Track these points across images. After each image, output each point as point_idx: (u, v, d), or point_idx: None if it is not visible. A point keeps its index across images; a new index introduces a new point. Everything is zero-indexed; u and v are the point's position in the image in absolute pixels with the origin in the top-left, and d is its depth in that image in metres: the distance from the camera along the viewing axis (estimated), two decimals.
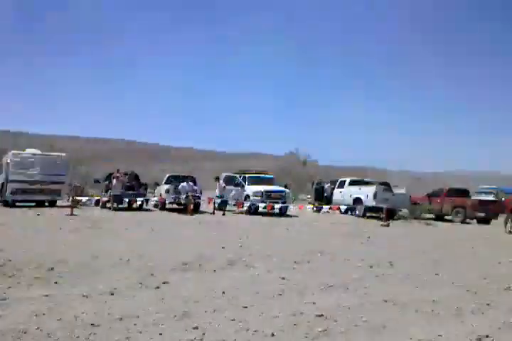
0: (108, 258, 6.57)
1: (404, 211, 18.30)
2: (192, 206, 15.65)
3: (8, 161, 15.56)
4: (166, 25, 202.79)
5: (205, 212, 16.55)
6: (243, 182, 18.05)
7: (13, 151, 16.29)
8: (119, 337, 3.31)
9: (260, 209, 16.18)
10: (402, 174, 60.07)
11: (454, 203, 18.20)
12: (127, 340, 3.26)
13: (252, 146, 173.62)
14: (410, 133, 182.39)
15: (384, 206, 15.78)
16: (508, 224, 14.30)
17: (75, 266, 5.87)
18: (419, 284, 5.65)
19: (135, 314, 3.86)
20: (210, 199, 16.59)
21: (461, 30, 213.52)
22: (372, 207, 17.03)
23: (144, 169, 36.00)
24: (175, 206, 17.48)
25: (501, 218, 16.01)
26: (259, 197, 16.72)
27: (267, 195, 16.85)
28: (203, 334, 3.44)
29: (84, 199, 16.13)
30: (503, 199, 17.06)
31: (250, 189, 17.40)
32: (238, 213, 16.92)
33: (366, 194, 17.37)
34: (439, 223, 17.41)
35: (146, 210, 16.61)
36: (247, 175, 18.53)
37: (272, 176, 19.67)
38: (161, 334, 3.41)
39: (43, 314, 3.78)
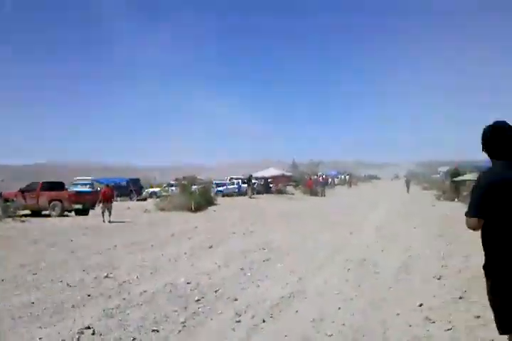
0: None
1: None
2: None
3: None
4: None
5: None
6: None
7: None
8: None
9: None
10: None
11: (50, 197, 18.19)
12: None
13: None
14: None
15: None
16: (105, 213, 15.86)
17: None
18: None
19: None
20: None
21: None
22: None
23: None
24: None
25: (98, 208, 17.38)
26: None
27: None
28: None
29: None
30: (98, 189, 18.65)
31: None
32: None
33: None
34: (36, 219, 17.00)
35: None
36: None
37: None
38: None
39: None
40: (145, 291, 6.20)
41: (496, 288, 2.74)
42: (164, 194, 26.03)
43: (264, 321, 4.86)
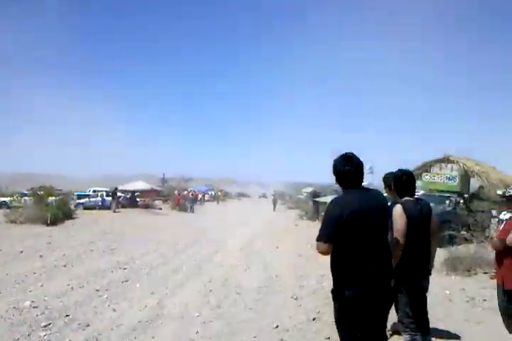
0: None
1: None
2: None
3: None
4: None
5: None
6: None
7: None
8: None
9: None
10: None
11: None
12: None
13: None
14: None
15: None
16: None
17: None
18: None
19: None
20: None
21: None
22: None
23: None
24: None
25: None
26: None
27: None
28: None
29: None
30: None
31: None
32: None
33: None
34: None
35: None
36: None
37: None
38: None
39: None
40: None
41: (341, 311, 2.95)
42: (16, 205, 23.51)
43: None
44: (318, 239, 2.89)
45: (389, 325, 3.99)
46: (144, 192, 34.13)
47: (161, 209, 32.10)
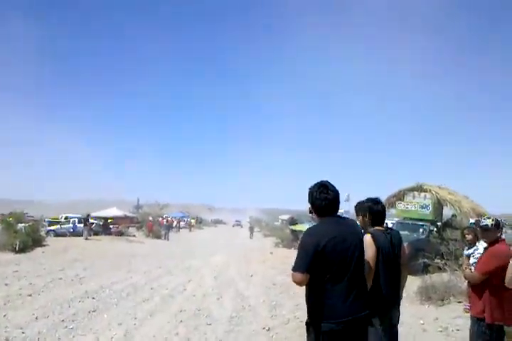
0: None
1: None
2: None
3: None
4: None
5: None
6: None
7: None
8: None
9: None
10: None
11: None
12: None
13: None
14: None
15: None
16: None
17: None
18: None
19: None
20: None
21: None
22: None
23: None
24: None
25: None
26: None
27: None
28: None
29: None
30: None
31: None
32: None
33: None
34: None
35: None
36: None
37: None
38: None
39: None
40: None
41: None
42: None
43: None
44: (295, 269, 2.80)
45: None
46: (117, 219, 33.46)
47: (135, 236, 31.47)
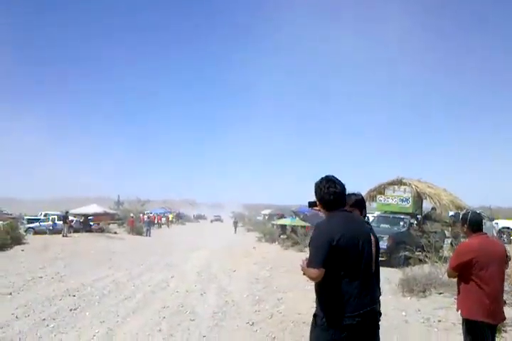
0: None
1: None
2: None
3: None
4: None
5: None
6: None
7: None
8: None
9: None
10: None
11: None
12: None
13: None
14: None
15: None
16: None
17: None
18: None
19: None
20: None
21: None
22: None
23: None
24: None
25: None
26: None
27: None
28: None
29: None
30: None
31: None
32: None
33: None
34: None
35: None
36: None
37: None
38: None
39: None
40: None
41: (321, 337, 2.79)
42: None
43: None
44: (310, 265, 2.75)
45: None
46: (97, 216, 33.04)
47: (116, 233, 31.15)
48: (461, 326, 3.90)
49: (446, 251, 10.66)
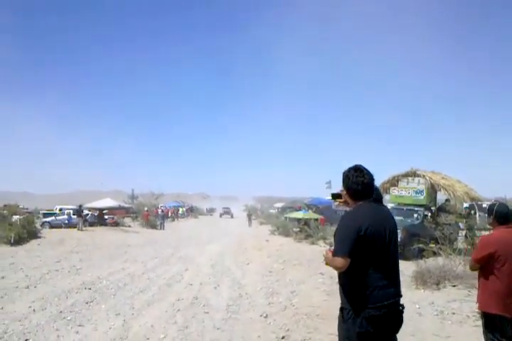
0: None
1: None
2: None
3: None
4: None
5: None
6: None
7: None
8: None
9: None
10: None
11: None
12: None
13: None
14: None
15: None
16: None
17: None
18: None
19: None
20: None
21: None
22: None
23: None
24: None
25: None
26: None
27: None
28: None
29: None
30: None
31: None
32: None
33: None
34: None
35: None
36: None
37: None
38: None
39: None
40: None
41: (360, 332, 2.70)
42: None
43: None
44: (336, 254, 2.73)
45: None
46: (112, 210, 33.38)
47: (130, 226, 31.46)
48: (474, 319, 3.88)
49: (461, 243, 10.57)
